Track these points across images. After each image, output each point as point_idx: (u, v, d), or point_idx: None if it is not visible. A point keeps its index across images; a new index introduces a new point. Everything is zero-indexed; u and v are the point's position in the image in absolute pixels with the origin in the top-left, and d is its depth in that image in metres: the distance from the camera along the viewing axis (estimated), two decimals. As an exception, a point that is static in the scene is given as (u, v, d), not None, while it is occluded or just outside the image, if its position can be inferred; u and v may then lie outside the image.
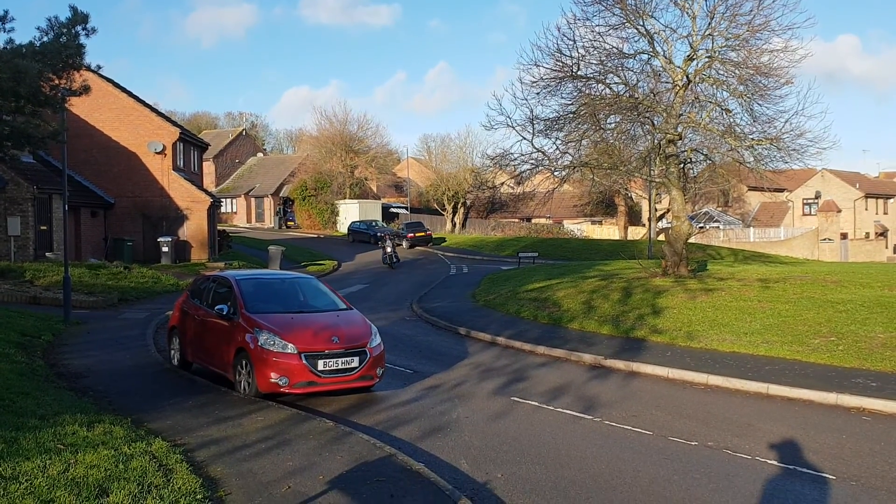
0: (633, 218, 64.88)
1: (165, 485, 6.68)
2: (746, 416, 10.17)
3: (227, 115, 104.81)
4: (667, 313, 16.99)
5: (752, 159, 21.37)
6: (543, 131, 22.35)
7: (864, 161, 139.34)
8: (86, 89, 16.32)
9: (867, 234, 69.29)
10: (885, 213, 74.67)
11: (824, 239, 56.55)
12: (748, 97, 20.26)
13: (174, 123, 38.45)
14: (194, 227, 35.22)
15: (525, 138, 22.30)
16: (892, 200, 76.40)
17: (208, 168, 66.32)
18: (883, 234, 70.93)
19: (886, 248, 64.97)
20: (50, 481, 6.46)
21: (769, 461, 8.14)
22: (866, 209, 71.32)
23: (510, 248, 45.74)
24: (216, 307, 11.88)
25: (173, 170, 35.01)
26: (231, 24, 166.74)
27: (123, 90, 36.60)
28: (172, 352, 13.71)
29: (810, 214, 66.84)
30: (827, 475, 7.66)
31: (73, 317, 18.84)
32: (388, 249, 36.66)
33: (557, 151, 22.96)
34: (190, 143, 38.88)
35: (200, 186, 39.01)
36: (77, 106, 28.90)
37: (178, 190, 35.08)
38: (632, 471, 7.87)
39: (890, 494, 7.12)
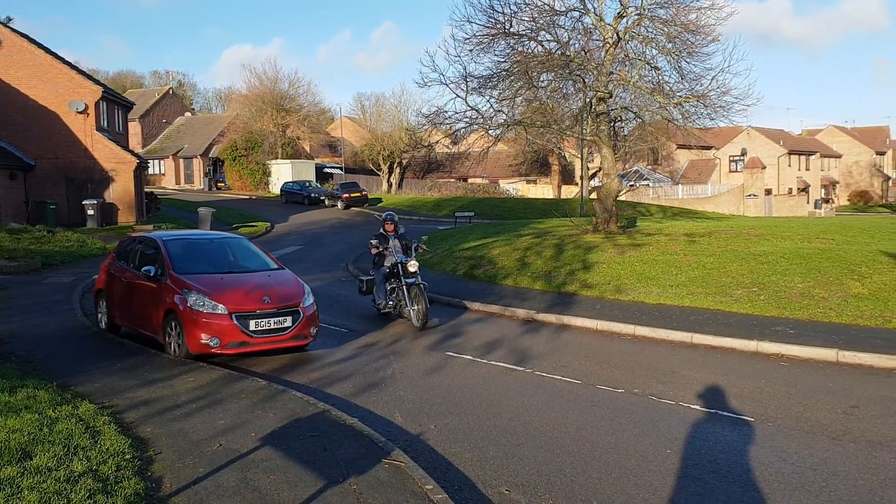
0: (567, 177, 65.55)
1: (92, 446, 6.57)
2: (671, 364, 10.52)
3: (153, 74, 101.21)
4: (597, 268, 17.35)
5: (680, 117, 21.77)
6: (477, 89, 22.32)
7: (788, 119, 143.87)
8: (-4, 43, 15.50)
9: (790, 189, 71.75)
10: (807, 170, 77.42)
11: (749, 195, 58.28)
12: (676, 54, 20.56)
13: (96, 82, 36.93)
14: (121, 190, 34.16)
15: (459, 96, 22.26)
16: (813, 157, 79.17)
17: (134, 128, 64.19)
18: (805, 189, 73.57)
19: (808, 203, 67.42)
20: (-30, 447, 6.28)
21: (692, 406, 8.46)
22: (789, 165, 73.82)
23: (447, 207, 45.80)
24: (143, 269, 11.60)
25: (97, 130, 33.73)
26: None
27: (40, 46, 34.91)
28: (100, 315, 13.38)
29: (737, 171, 68.75)
30: (746, 417, 8.00)
31: (-7, 282, 18.19)
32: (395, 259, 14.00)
33: (491, 110, 22.97)
34: (114, 103, 37.47)
35: (126, 147, 37.74)
36: (-11, 62, 27.53)
37: (103, 151, 33.85)
38: (561, 418, 8.09)
39: (803, 433, 7.49)
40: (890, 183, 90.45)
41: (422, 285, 13.53)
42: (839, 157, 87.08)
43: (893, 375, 9.60)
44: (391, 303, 14.12)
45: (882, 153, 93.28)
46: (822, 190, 79.77)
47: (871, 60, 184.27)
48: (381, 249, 14.32)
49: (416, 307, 13.47)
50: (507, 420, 8.06)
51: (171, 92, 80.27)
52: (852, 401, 8.53)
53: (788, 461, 6.74)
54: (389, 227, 14.56)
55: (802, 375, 9.76)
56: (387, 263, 14.19)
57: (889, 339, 10.84)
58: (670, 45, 20.55)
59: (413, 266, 13.68)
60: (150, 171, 62.01)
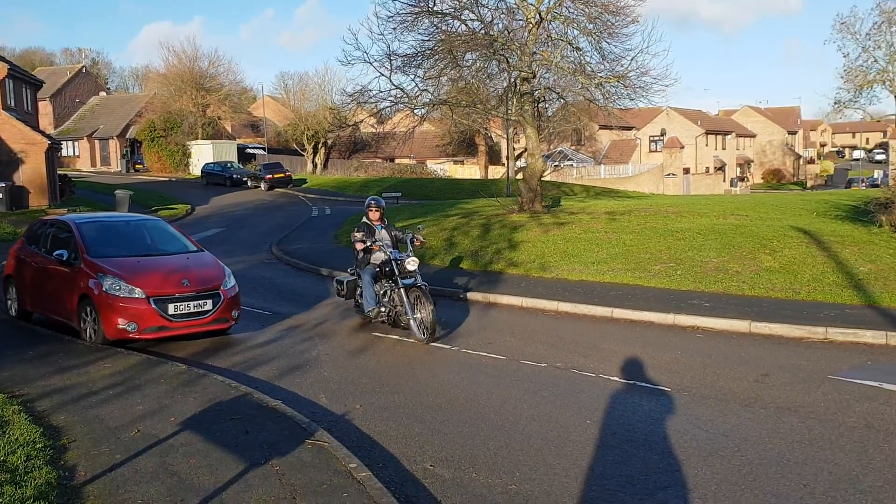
0: (494, 157, 65.98)
1: (0, 436, 6.31)
2: (592, 338, 10.76)
3: (64, 52, 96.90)
4: (522, 247, 17.56)
5: (601, 97, 22.14)
6: (401, 68, 22.23)
7: (706, 99, 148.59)
8: None
9: (707, 168, 74.01)
10: (724, 149, 79.99)
11: (668, 174, 59.85)
12: (597, 35, 20.88)
13: (1, 58, 35.20)
14: (31, 172, 32.71)
15: (383, 75, 22.16)
16: (729, 137, 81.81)
17: (45, 108, 61.53)
18: (721, 168, 76.02)
19: (724, 181, 69.67)
20: None
21: (612, 378, 8.66)
22: (707, 145, 76.14)
23: (374, 188, 45.42)
24: (55, 253, 11.18)
25: (3, 109, 32.17)
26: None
27: (-62, 20, 33.04)
28: (9, 302, 12.84)
29: (657, 151, 70.50)
30: (663, 388, 8.24)
31: None
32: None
33: (416, 89, 22.96)
34: (21, 81, 35.79)
35: (36, 128, 36.16)
36: None
37: (11, 131, 32.32)
38: (486, 393, 8.18)
39: (716, 402, 7.76)
40: (801, 161, 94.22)
41: (423, 286, 10.83)
42: (754, 136, 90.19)
43: (802, 344, 10.03)
44: (384, 309, 11.29)
45: (794, 133, 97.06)
46: (738, 168, 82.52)
47: (784, 43, 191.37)
48: (368, 244, 11.43)
49: (417, 315, 10.77)
50: (432, 397, 8.10)
51: (84, 70, 77.04)
52: (763, 369, 8.88)
53: (703, 428, 6.98)
54: (375, 216, 11.79)
55: (717, 346, 10.10)
56: (374, 260, 11.50)
57: (798, 310, 11.32)
58: (591, 26, 20.85)
59: (412, 264, 10.93)
60: (64, 152, 59.63)
